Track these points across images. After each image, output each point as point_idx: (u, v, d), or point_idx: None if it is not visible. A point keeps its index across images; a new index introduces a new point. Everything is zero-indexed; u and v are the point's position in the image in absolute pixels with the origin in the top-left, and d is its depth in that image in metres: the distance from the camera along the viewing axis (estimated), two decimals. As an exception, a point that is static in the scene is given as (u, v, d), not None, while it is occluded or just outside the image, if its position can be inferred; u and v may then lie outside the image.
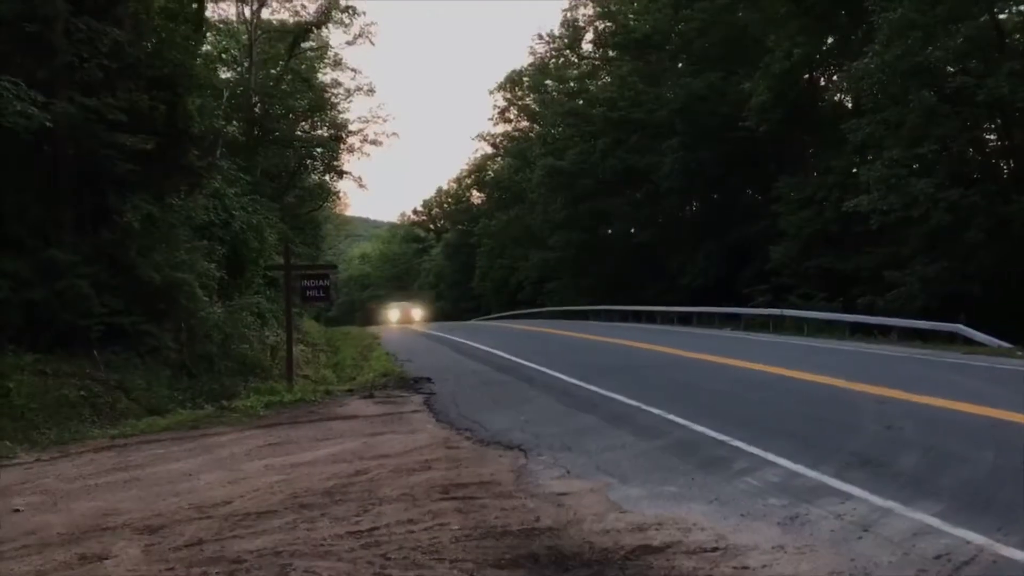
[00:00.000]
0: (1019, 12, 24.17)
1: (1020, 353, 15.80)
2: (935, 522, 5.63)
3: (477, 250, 62.31)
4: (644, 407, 10.61)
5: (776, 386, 12.32)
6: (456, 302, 66.57)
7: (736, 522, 5.82)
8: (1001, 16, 23.32)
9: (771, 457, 7.62)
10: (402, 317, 48.37)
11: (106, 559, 5.50)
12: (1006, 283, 21.75)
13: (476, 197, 74.38)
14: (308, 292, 13.96)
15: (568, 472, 7.48)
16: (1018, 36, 23.96)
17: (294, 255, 16.64)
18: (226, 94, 36.49)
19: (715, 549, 5.28)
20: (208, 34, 31.87)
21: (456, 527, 5.91)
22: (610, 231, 41.94)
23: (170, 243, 13.99)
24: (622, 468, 7.54)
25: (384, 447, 8.91)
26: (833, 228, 26.10)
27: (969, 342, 17.84)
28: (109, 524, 6.37)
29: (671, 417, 9.80)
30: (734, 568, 4.97)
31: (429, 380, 14.25)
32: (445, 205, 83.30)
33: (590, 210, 41.59)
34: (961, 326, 18.43)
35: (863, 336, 21.14)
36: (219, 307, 15.63)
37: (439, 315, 57.93)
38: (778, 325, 24.65)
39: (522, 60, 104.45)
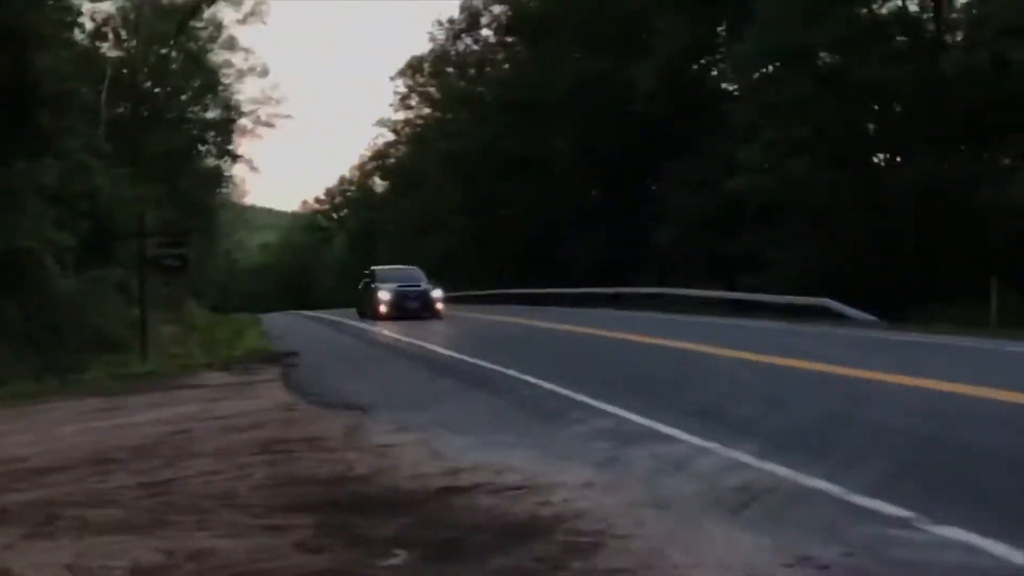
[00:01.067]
0: (895, 6, 24.97)
1: (883, 324, 16.30)
2: (749, 459, 5.59)
3: (380, 238, 61.52)
4: (505, 370, 10.45)
5: (640, 351, 12.38)
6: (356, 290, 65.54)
7: (553, 464, 5.66)
8: (882, 11, 24.00)
9: (612, 409, 7.53)
10: (393, 303, 22.37)
11: None
12: (881, 260, 22.38)
13: (379, 185, 73.45)
14: (164, 261, 13.31)
15: (403, 428, 7.23)
16: (893, 25, 24.73)
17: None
18: (110, 71, 35.10)
19: (521, 488, 5.10)
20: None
21: (260, 477, 5.61)
22: (508, 215, 41.83)
23: (15, 209, 13.15)
24: (461, 423, 7.33)
25: (220, 411, 8.52)
26: (717, 211, 26.53)
27: (839, 316, 18.34)
28: None
29: (527, 378, 9.66)
30: (534, 503, 4.80)
31: (296, 354, 13.81)
32: (348, 193, 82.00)
33: (487, 194, 41.47)
34: (831, 301, 18.93)
35: (743, 313, 21.53)
36: (74, 279, 14.84)
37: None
38: (664, 304, 24.94)
39: (423, 46, 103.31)
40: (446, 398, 8.93)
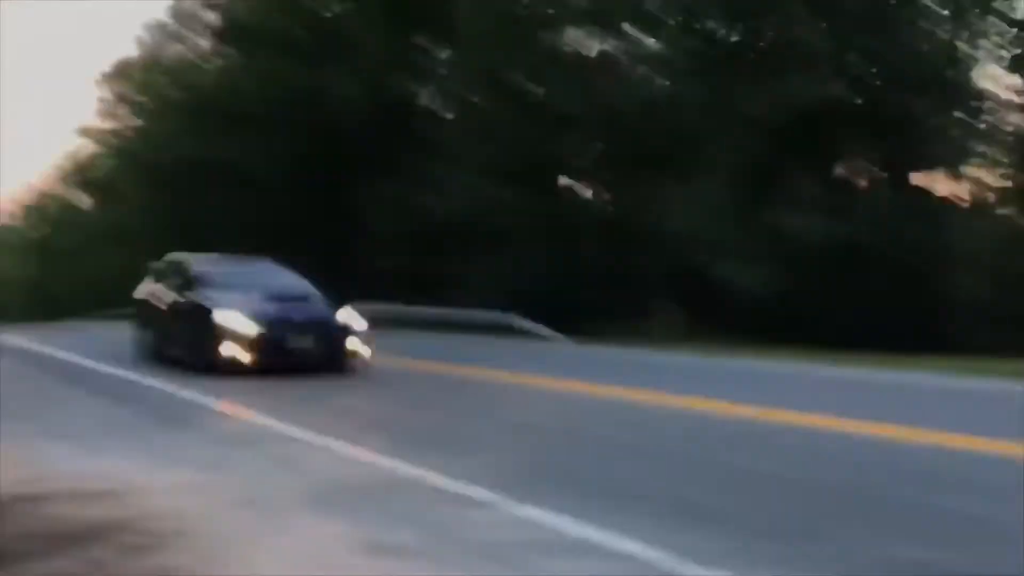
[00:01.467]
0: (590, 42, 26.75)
1: (560, 338, 17.32)
2: (368, 455, 5.54)
3: (78, 252, 56.62)
4: (151, 383, 9.72)
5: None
6: (37, 306, 59.91)
7: (155, 469, 5.25)
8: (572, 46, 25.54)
9: (247, 415, 7.23)
10: (265, 343, 9.94)
11: None
12: (567, 279, 23.62)
13: (76, 195, 67.39)
14: None
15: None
16: (586, 58, 26.42)
17: None
18: None
19: (106, 493, 4.66)
20: None
21: None
22: (219, 231, 39.89)
23: None
24: (72, 431, 6.70)
25: None
26: (418, 229, 26.89)
27: (524, 332, 19.24)
28: None
29: (169, 389, 9.05)
30: (111, 507, 4.40)
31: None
32: (39, 205, 74.48)
33: (196, 208, 39.36)
34: (514, 316, 19.83)
35: (440, 330, 21.85)
36: None
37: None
38: (374, 322, 24.73)
39: (132, 50, 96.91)
40: (74, 408, 8.20)
